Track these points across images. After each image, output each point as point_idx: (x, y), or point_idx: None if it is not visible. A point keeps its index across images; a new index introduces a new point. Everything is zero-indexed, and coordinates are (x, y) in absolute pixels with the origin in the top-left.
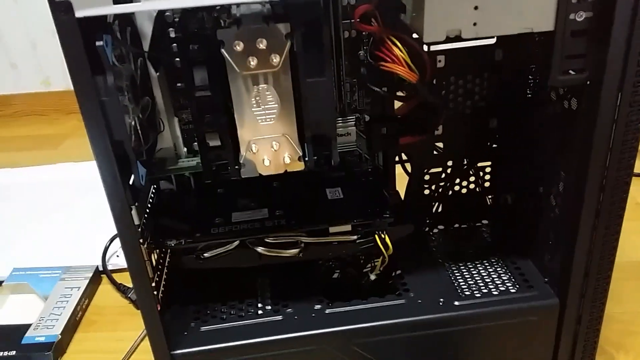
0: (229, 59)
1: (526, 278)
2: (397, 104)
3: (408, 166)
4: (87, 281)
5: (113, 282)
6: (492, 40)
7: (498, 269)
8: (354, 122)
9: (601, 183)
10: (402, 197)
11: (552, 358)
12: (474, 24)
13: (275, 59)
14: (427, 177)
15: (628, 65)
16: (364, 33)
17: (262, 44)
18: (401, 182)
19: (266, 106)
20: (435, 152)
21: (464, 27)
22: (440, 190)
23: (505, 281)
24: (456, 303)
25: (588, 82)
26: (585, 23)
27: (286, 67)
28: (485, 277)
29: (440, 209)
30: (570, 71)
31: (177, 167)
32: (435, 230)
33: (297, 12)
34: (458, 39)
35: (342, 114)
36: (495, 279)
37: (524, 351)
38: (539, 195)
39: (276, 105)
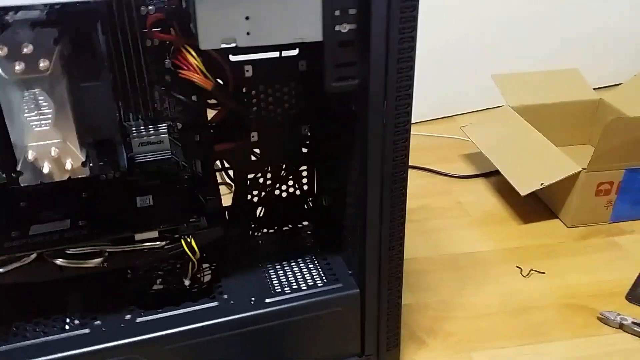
0: None
1: (333, 272)
2: (212, 112)
3: (232, 173)
4: None
5: None
6: (295, 52)
7: (310, 266)
8: (166, 130)
9: (380, 181)
10: (226, 203)
11: (361, 345)
12: (248, 33)
13: (44, 64)
14: (249, 183)
15: (389, 72)
16: (167, 42)
17: (28, 49)
18: None
19: (40, 111)
20: (253, 158)
21: (238, 36)
22: (262, 194)
23: (315, 276)
24: (267, 300)
25: (360, 89)
26: (351, 34)
27: (58, 72)
28: (297, 275)
29: (263, 213)
30: (346, 77)
31: None
32: (259, 234)
33: (66, 18)
34: (238, 48)
35: (153, 122)
36: (306, 276)
37: (334, 340)
38: (342, 195)
39: (50, 110)
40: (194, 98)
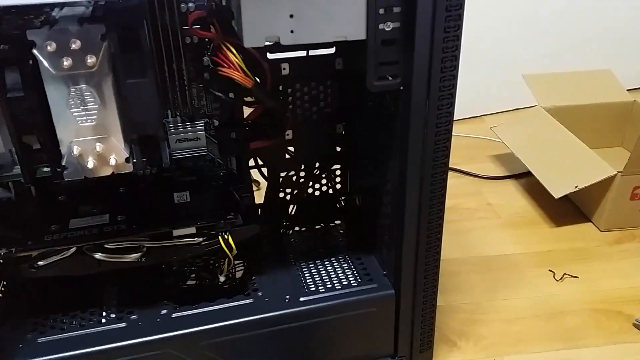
0: (42, 59)
1: (368, 272)
2: (249, 110)
3: (265, 170)
4: None
5: None
6: (332, 50)
7: (344, 265)
8: (202, 127)
9: (420, 181)
10: (260, 200)
11: (394, 346)
12: (291, 32)
13: (91, 60)
14: (282, 181)
15: (432, 71)
16: (206, 39)
17: (76, 45)
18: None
19: (86, 107)
20: (287, 156)
21: (282, 34)
22: (295, 192)
23: (349, 276)
24: (301, 299)
25: (401, 88)
26: (394, 33)
27: (104, 68)
28: (331, 274)
29: (296, 211)
30: (388, 77)
31: (11, 174)
32: (291, 232)
33: (113, 15)
34: (280, 46)
35: (190, 119)
36: (340, 275)
37: (368, 340)
38: (378, 194)
39: (96, 105)
40: (231, 95)
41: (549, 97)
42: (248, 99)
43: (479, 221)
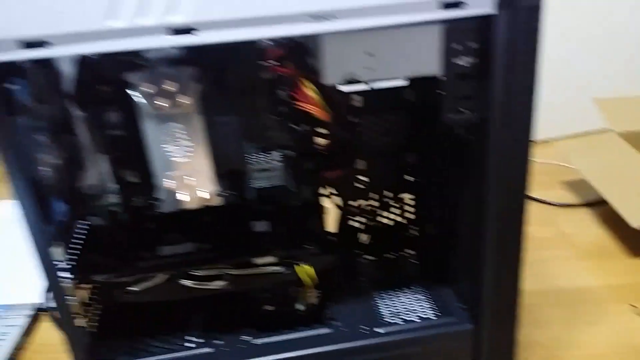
0: (139, 100)
1: (445, 305)
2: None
3: (338, 199)
4: (28, 319)
5: (54, 319)
6: (405, 82)
7: (420, 297)
8: (278, 158)
9: (498, 213)
10: (333, 229)
11: None
12: (370, 69)
13: (184, 100)
14: (354, 210)
15: (510, 104)
16: (282, 75)
17: (171, 86)
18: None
19: (179, 144)
20: (360, 186)
21: (360, 72)
22: (367, 222)
23: (426, 308)
24: (379, 330)
25: (479, 120)
26: (470, 68)
27: (196, 107)
28: (407, 305)
29: (367, 240)
30: (464, 110)
31: (103, 204)
32: (364, 261)
33: (205, 57)
34: (356, 81)
35: (265, 150)
36: (416, 307)
37: None
38: (453, 225)
39: (189, 142)
40: (305, 127)
41: (623, 122)
42: (321, 130)
43: (553, 251)
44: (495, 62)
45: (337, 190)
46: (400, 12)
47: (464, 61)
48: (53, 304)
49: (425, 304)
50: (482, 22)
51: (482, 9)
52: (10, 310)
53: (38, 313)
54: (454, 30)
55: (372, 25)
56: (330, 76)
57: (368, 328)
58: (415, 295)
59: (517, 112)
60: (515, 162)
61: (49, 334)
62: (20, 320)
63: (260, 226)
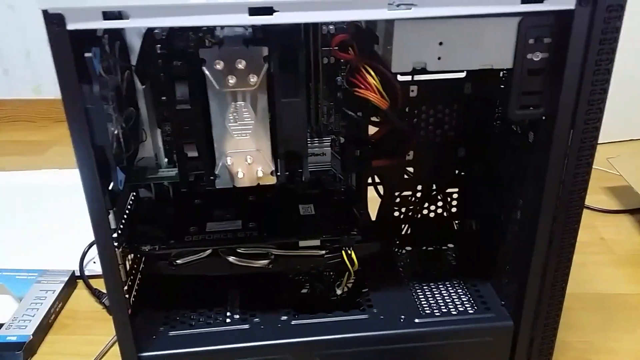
0: (210, 76)
1: (484, 300)
2: (373, 129)
3: (380, 188)
4: (63, 285)
5: (89, 287)
6: (462, 74)
7: (459, 290)
8: (329, 143)
9: (554, 213)
10: (374, 217)
11: None
12: (439, 58)
13: (253, 79)
14: (397, 200)
15: (579, 103)
16: (341, 60)
17: (241, 65)
18: (374, 204)
19: (242, 122)
20: (406, 177)
21: (429, 61)
22: (409, 213)
23: (465, 302)
24: (416, 320)
25: (543, 118)
26: (541, 63)
27: (263, 87)
28: (446, 298)
29: (409, 231)
30: (529, 106)
31: (157, 177)
32: (403, 251)
33: (276, 37)
34: (424, 70)
35: (318, 135)
36: (455, 300)
37: None
38: (500, 222)
39: (252, 121)
40: (359, 114)
41: None
42: (375, 118)
43: (591, 256)
44: (568, 59)
45: (384, 180)
46: (479, 3)
47: (536, 56)
48: (91, 272)
49: (464, 298)
50: (560, 17)
51: (563, 4)
52: (46, 275)
53: (75, 280)
54: (530, 24)
55: (450, 13)
56: (398, 64)
57: (405, 317)
58: (455, 289)
59: (585, 112)
60: (578, 164)
61: (83, 301)
62: (56, 286)
63: (306, 209)
